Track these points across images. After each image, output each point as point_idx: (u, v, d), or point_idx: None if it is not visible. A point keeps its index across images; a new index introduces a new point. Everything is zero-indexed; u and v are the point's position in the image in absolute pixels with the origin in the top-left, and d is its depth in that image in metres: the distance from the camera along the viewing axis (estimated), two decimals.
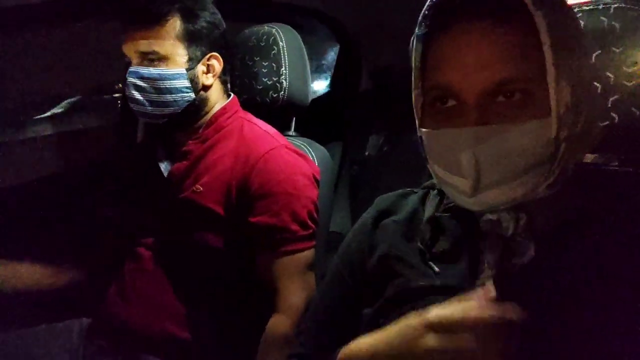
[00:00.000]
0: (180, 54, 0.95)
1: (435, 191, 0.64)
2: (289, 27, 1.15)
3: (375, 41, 1.51)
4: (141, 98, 0.94)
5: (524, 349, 0.48)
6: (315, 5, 1.42)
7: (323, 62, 1.69)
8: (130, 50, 0.94)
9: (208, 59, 0.99)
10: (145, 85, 0.93)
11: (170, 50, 0.94)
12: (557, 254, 0.50)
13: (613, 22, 0.58)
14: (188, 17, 0.96)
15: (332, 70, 1.64)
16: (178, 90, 0.95)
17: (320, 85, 1.69)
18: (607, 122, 0.58)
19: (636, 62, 0.56)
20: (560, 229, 0.52)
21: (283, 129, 1.14)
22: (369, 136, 1.70)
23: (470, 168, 0.48)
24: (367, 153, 1.69)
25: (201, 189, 0.96)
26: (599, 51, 0.58)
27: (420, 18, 0.53)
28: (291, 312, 0.90)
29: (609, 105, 0.58)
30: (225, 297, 0.99)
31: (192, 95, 0.97)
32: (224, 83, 1.05)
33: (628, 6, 0.57)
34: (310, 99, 1.17)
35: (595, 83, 0.57)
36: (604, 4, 0.59)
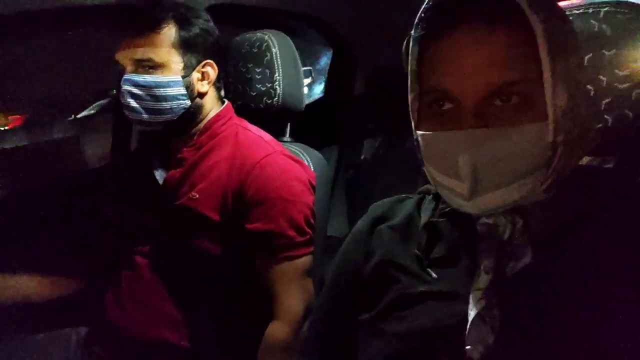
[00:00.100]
0: (175, 61, 0.95)
1: (431, 196, 0.64)
2: (281, 33, 1.15)
3: (369, 45, 1.51)
4: (137, 106, 0.94)
5: (523, 353, 0.48)
6: (307, 10, 1.42)
7: (317, 66, 1.70)
8: (124, 57, 0.93)
9: (203, 66, 0.99)
10: (141, 92, 0.93)
11: (166, 57, 0.94)
12: (554, 258, 0.50)
13: (603, 26, 0.58)
14: (183, 24, 0.96)
15: (327, 75, 1.64)
16: (174, 98, 0.95)
17: (314, 90, 1.70)
18: (600, 125, 0.58)
19: (627, 65, 0.57)
20: (557, 233, 0.52)
21: (278, 134, 1.14)
22: (364, 140, 1.71)
23: (468, 171, 0.48)
24: (362, 157, 1.69)
25: (197, 196, 0.96)
26: (591, 54, 0.58)
27: (416, 20, 0.53)
28: (289, 319, 0.90)
29: (602, 108, 0.58)
30: (223, 304, 0.98)
31: (188, 102, 0.97)
32: (218, 90, 1.05)
33: (618, 10, 0.58)
34: (304, 104, 1.17)
35: (588, 86, 0.58)
36: (594, 7, 0.59)
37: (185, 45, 0.95)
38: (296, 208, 0.93)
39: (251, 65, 1.14)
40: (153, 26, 0.93)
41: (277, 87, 1.10)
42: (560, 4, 0.61)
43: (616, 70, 0.57)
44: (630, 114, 0.57)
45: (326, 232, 1.20)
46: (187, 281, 0.98)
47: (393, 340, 0.56)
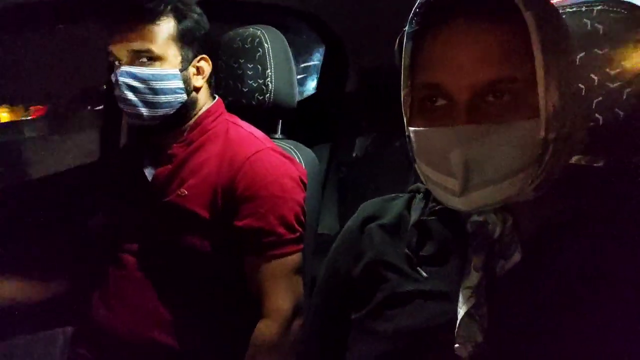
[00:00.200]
0: (173, 54, 0.94)
1: (421, 195, 0.64)
2: (274, 29, 1.15)
3: (362, 42, 1.51)
4: (135, 99, 0.92)
5: (512, 351, 0.48)
6: (300, 6, 1.41)
7: (309, 63, 1.69)
8: (121, 49, 0.91)
9: (198, 61, 0.99)
10: (139, 85, 0.91)
11: (164, 50, 0.93)
12: (543, 257, 0.50)
13: (596, 24, 0.58)
14: (180, 18, 0.95)
15: (319, 72, 1.63)
16: (172, 91, 0.94)
17: (306, 87, 1.69)
18: (591, 124, 0.58)
19: (619, 64, 0.57)
20: (546, 232, 0.52)
21: (269, 131, 1.13)
22: (356, 137, 1.71)
23: (460, 167, 0.48)
24: (354, 154, 1.69)
25: (186, 192, 0.95)
26: (583, 53, 0.58)
27: (411, 16, 0.53)
28: (277, 317, 0.90)
29: (593, 107, 0.58)
30: (212, 302, 0.97)
31: (185, 96, 0.96)
32: (210, 85, 1.04)
33: (611, 8, 0.58)
34: (296, 101, 1.17)
35: (580, 85, 0.58)
36: (586, 6, 0.59)
37: (182, 39, 0.95)
38: (286, 205, 0.92)
39: (243, 61, 1.13)
40: (152, 18, 0.91)
41: (269, 83, 1.10)
42: (553, 1, 0.61)
43: (608, 69, 0.57)
44: (621, 113, 0.57)
45: (317, 229, 1.19)
46: (176, 280, 0.97)
47: (383, 339, 0.56)
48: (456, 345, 0.49)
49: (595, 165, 0.59)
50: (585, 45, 0.58)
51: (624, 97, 0.56)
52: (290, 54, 1.16)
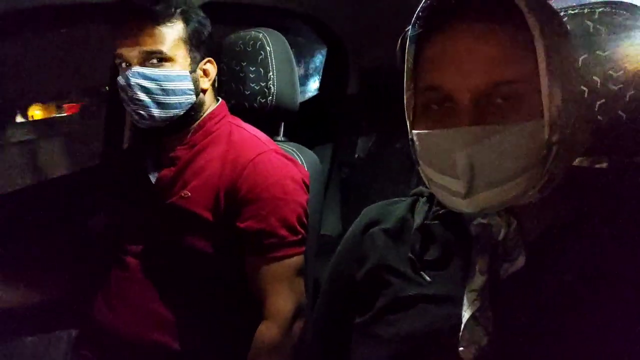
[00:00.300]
0: (183, 56, 0.95)
1: (425, 198, 0.64)
2: (276, 31, 1.15)
3: (363, 43, 1.51)
4: (147, 99, 0.92)
5: (516, 355, 0.48)
6: (301, 9, 1.41)
7: (311, 65, 1.69)
8: (131, 50, 0.91)
9: (205, 63, 1.00)
10: (151, 85, 0.92)
11: (174, 52, 0.93)
12: (547, 260, 0.50)
13: (598, 26, 0.58)
14: (188, 20, 0.96)
15: (321, 73, 1.64)
16: (182, 92, 0.95)
17: (308, 88, 1.69)
18: (594, 126, 0.58)
19: (622, 66, 0.57)
20: (549, 234, 0.52)
21: (272, 134, 1.14)
22: (357, 138, 1.71)
23: (465, 169, 0.48)
24: (356, 155, 1.69)
25: (189, 194, 0.95)
26: (585, 55, 0.58)
27: (414, 19, 0.53)
28: (279, 319, 0.90)
29: (596, 109, 0.58)
30: (214, 304, 0.98)
31: (194, 97, 0.97)
32: (213, 88, 1.05)
33: (613, 10, 0.58)
34: (298, 103, 1.17)
35: (582, 87, 0.58)
36: (589, 7, 0.59)
37: (191, 41, 0.96)
38: (289, 207, 0.93)
39: (245, 63, 1.13)
40: (163, 20, 0.92)
41: (271, 86, 1.10)
42: (554, 4, 0.61)
43: (610, 71, 0.57)
44: (624, 115, 0.57)
45: (319, 231, 1.19)
46: (179, 281, 0.97)
47: (386, 344, 0.56)
48: (460, 348, 0.49)
49: (598, 167, 0.59)
50: (588, 47, 0.58)
51: (627, 99, 0.56)
52: (292, 57, 1.16)
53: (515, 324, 0.49)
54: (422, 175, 0.55)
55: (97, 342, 0.99)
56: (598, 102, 0.58)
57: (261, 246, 0.91)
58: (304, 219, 0.96)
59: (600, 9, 0.58)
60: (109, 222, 1.11)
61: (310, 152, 1.16)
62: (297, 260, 0.94)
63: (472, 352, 0.48)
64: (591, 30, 0.58)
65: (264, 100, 1.11)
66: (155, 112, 0.93)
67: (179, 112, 0.96)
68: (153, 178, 1.01)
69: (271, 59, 1.10)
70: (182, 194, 0.95)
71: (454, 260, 0.56)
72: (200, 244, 0.95)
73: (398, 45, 0.61)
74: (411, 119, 0.55)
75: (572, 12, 0.60)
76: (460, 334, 0.49)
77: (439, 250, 0.58)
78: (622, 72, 0.56)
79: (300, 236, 0.94)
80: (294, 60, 1.16)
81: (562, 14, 0.60)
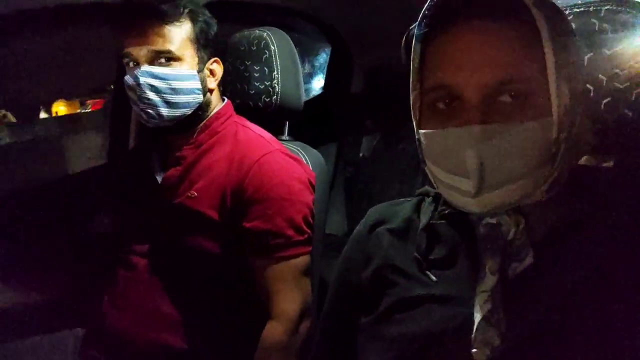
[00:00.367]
0: (190, 55, 0.95)
1: (430, 198, 0.64)
2: (280, 31, 1.15)
3: (368, 42, 1.51)
4: (156, 98, 0.92)
5: (529, 355, 0.48)
6: (306, 8, 1.41)
7: (315, 63, 1.69)
8: (140, 50, 0.91)
9: (211, 63, 1.00)
10: (160, 85, 0.92)
11: (183, 51, 0.94)
12: (554, 259, 0.50)
13: (604, 24, 0.58)
14: (196, 20, 0.96)
15: (325, 72, 1.64)
16: (191, 92, 0.95)
17: (313, 87, 1.69)
18: (600, 125, 0.58)
19: (628, 64, 0.56)
20: (556, 233, 0.52)
21: (276, 133, 1.14)
22: (362, 137, 1.71)
23: (475, 168, 0.47)
24: (361, 154, 1.69)
25: (195, 194, 0.95)
26: (591, 53, 0.58)
27: (420, 18, 0.53)
28: (285, 318, 0.90)
29: (602, 108, 0.58)
30: (221, 304, 0.98)
31: (202, 97, 0.97)
32: (219, 88, 1.05)
33: (619, 8, 0.57)
34: (303, 102, 1.17)
35: (588, 85, 0.58)
36: (594, 6, 0.59)
37: (198, 41, 0.96)
38: (295, 207, 0.93)
39: (249, 63, 1.13)
40: (171, 19, 0.92)
41: (275, 85, 1.10)
42: (561, 2, 0.61)
43: (616, 70, 0.57)
44: (630, 113, 0.56)
45: (325, 230, 1.20)
46: (185, 281, 0.98)
47: (392, 344, 0.56)
48: (473, 350, 0.48)
49: (604, 166, 0.59)
50: (593, 46, 0.58)
51: (633, 97, 0.56)
52: (297, 56, 1.16)
53: (527, 324, 0.49)
54: (429, 174, 0.55)
55: (103, 341, 1.00)
56: (604, 101, 0.57)
57: (268, 246, 0.92)
58: (310, 219, 0.96)
59: (605, 7, 0.58)
60: (115, 221, 1.11)
61: (315, 151, 1.16)
62: (304, 260, 0.94)
63: (485, 353, 0.48)
64: (597, 28, 0.58)
65: (268, 99, 1.11)
66: (164, 111, 0.94)
67: (187, 111, 0.96)
68: (159, 178, 1.01)
69: (276, 58, 1.10)
70: (189, 194, 0.96)
71: (460, 260, 0.56)
72: (206, 244, 0.95)
73: (402, 45, 0.60)
74: (417, 118, 0.55)
75: (578, 10, 0.60)
76: (473, 335, 0.49)
77: (444, 249, 0.58)
78: (628, 70, 0.56)
79: (306, 236, 0.94)
80: (298, 59, 1.16)
81: (567, 12, 0.60)
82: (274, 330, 0.89)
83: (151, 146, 1.07)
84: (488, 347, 0.48)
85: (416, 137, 0.55)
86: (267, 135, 1.03)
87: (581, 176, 0.55)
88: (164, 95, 0.92)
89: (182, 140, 1.00)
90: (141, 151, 1.13)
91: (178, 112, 0.95)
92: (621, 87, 0.56)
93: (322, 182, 1.13)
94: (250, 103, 1.13)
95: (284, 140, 1.18)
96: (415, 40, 0.53)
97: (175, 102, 0.94)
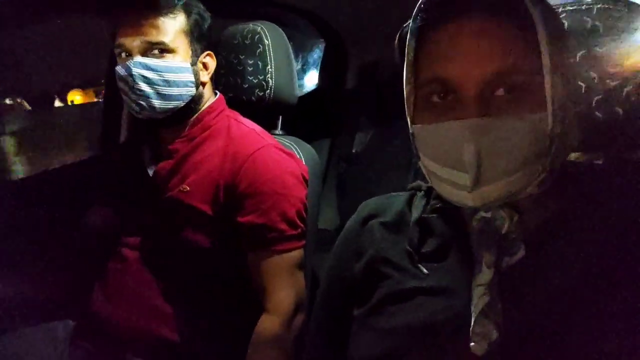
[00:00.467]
0: (184, 48, 0.95)
1: (422, 192, 0.64)
2: (274, 25, 1.14)
3: (361, 38, 1.51)
4: (149, 90, 0.92)
5: (527, 347, 0.48)
6: (300, 2, 1.41)
7: (309, 59, 1.69)
8: (133, 41, 0.91)
9: (204, 56, 1.00)
10: (153, 76, 0.91)
11: (177, 43, 0.93)
12: (546, 252, 0.51)
13: (596, 23, 0.58)
14: (190, 12, 0.96)
15: (319, 67, 1.63)
16: (184, 84, 0.95)
17: (306, 82, 1.69)
18: (591, 121, 0.58)
19: (619, 62, 0.57)
20: (546, 227, 0.53)
21: (270, 127, 1.14)
22: (355, 133, 1.71)
23: (472, 161, 0.47)
24: (354, 150, 1.70)
25: (188, 188, 0.95)
26: (583, 51, 0.58)
27: (415, 12, 0.53)
28: (280, 312, 0.90)
29: (593, 105, 0.58)
30: (213, 297, 0.98)
31: (194, 90, 0.97)
32: (212, 81, 1.05)
33: (611, 7, 0.58)
34: (296, 97, 1.17)
35: (580, 82, 0.58)
36: (587, 4, 0.60)
37: (192, 33, 0.96)
38: (288, 201, 0.93)
39: (243, 56, 1.13)
40: (165, 11, 0.92)
41: (269, 79, 1.10)
42: (554, 1, 0.61)
43: (608, 67, 0.57)
44: (621, 111, 0.57)
45: (317, 225, 1.20)
46: (177, 274, 0.98)
47: (384, 336, 0.56)
48: (472, 343, 0.49)
49: (594, 162, 0.60)
50: (585, 44, 0.59)
51: (624, 95, 0.57)
52: (291, 50, 1.16)
53: (523, 317, 0.49)
54: (422, 169, 0.55)
55: (94, 333, 0.99)
56: (595, 98, 0.58)
57: (262, 240, 0.92)
58: (304, 213, 0.96)
59: (598, 6, 0.59)
60: (107, 214, 1.10)
61: (308, 146, 1.16)
62: (297, 254, 0.94)
63: (484, 346, 0.48)
64: (589, 26, 0.59)
65: (262, 93, 1.10)
66: (156, 102, 0.93)
67: (180, 103, 0.96)
68: (150, 171, 1.01)
69: (269, 52, 1.10)
70: (181, 188, 0.95)
71: (451, 253, 0.57)
72: (198, 238, 0.95)
73: (396, 40, 0.61)
74: (411, 112, 0.55)
75: (571, 8, 0.61)
76: (471, 329, 0.49)
77: (436, 243, 0.58)
78: (619, 68, 0.57)
79: (300, 230, 0.95)
80: (292, 53, 1.16)
81: (560, 10, 0.61)
82: (268, 324, 0.89)
83: (142, 139, 1.06)
84: (486, 341, 0.48)
85: (410, 131, 0.55)
86: (259, 130, 1.03)
87: (571, 172, 0.56)
88: (157, 87, 0.92)
89: (173, 134, 1.00)
90: (133, 144, 1.12)
91: (171, 105, 0.95)
92: (612, 84, 0.57)
93: (315, 177, 1.13)
94: (244, 97, 1.13)
95: (277, 134, 1.17)
96: (410, 34, 0.53)
97: (168, 94, 0.93)
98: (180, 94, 0.95)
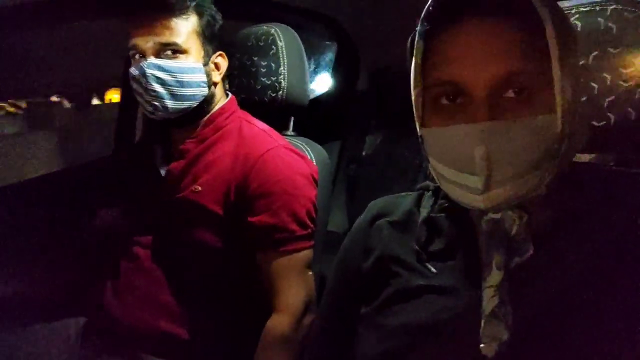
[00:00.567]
0: (196, 48, 0.96)
1: (430, 192, 0.64)
2: (288, 27, 1.15)
3: (373, 41, 1.51)
4: (162, 91, 0.93)
5: (537, 348, 0.48)
6: (313, 6, 1.42)
7: (321, 61, 1.70)
8: (146, 41, 0.92)
9: (216, 57, 1.01)
10: (166, 77, 0.92)
11: (189, 44, 0.94)
12: (554, 252, 0.51)
13: (610, 24, 0.58)
14: (202, 13, 0.97)
15: (331, 70, 1.64)
16: (197, 84, 0.96)
17: (318, 85, 1.70)
18: (603, 122, 0.58)
19: (632, 64, 0.57)
20: (554, 228, 0.53)
21: (281, 128, 1.14)
22: (366, 136, 1.71)
23: (483, 164, 0.47)
24: (364, 152, 1.70)
25: (200, 188, 0.96)
26: (596, 52, 0.58)
27: (423, 14, 0.53)
28: (289, 312, 0.90)
29: (606, 106, 0.58)
30: (224, 296, 0.99)
31: (206, 90, 0.98)
32: (224, 82, 1.06)
33: (624, 7, 0.58)
34: (308, 98, 1.18)
35: (592, 83, 0.58)
36: (600, 5, 0.59)
37: (204, 34, 0.97)
38: (299, 202, 0.93)
39: (256, 58, 1.14)
40: (178, 12, 0.93)
41: (282, 80, 1.10)
42: (568, 2, 0.61)
43: (621, 69, 0.57)
44: (633, 112, 0.57)
45: (327, 226, 1.20)
46: (187, 273, 0.98)
47: (390, 334, 0.56)
48: (482, 345, 0.48)
49: (605, 163, 0.60)
50: (599, 44, 0.58)
51: (637, 96, 0.57)
52: (304, 52, 1.16)
53: (532, 318, 0.49)
54: (432, 172, 0.55)
55: (105, 330, 1.00)
56: (608, 99, 0.58)
57: (272, 240, 0.92)
58: (313, 214, 0.97)
59: (611, 7, 0.59)
60: (119, 213, 1.12)
61: (319, 147, 1.16)
62: (307, 254, 0.95)
63: (494, 348, 0.48)
64: (602, 27, 0.59)
65: (274, 94, 1.11)
66: (170, 103, 0.94)
67: (193, 104, 0.97)
68: (163, 171, 1.02)
69: (282, 54, 1.10)
70: (193, 189, 0.96)
71: (459, 253, 0.57)
72: (209, 238, 0.96)
73: (408, 44, 0.61)
74: (420, 115, 0.55)
75: (584, 9, 0.61)
76: (481, 330, 0.49)
77: (444, 242, 0.58)
78: (632, 69, 0.57)
79: (309, 230, 0.95)
80: (305, 55, 1.17)
81: (573, 11, 0.61)
82: (277, 324, 0.89)
83: (155, 139, 1.08)
84: (496, 342, 0.48)
85: (419, 134, 0.55)
86: (271, 131, 1.03)
87: (582, 173, 0.56)
88: (170, 87, 0.93)
89: (185, 134, 1.01)
90: (145, 144, 1.14)
91: (184, 105, 0.96)
92: (625, 85, 0.57)
93: (325, 178, 1.14)
94: (256, 98, 1.14)
95: (288, 135, 1.18)
96: (418, 36, 0.53)
97: (181, 95, 0.95)
98: (194, 94, 0.96)
